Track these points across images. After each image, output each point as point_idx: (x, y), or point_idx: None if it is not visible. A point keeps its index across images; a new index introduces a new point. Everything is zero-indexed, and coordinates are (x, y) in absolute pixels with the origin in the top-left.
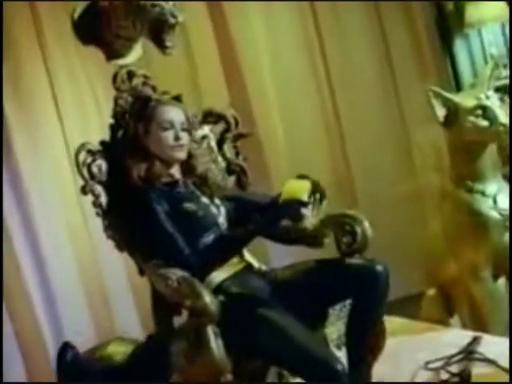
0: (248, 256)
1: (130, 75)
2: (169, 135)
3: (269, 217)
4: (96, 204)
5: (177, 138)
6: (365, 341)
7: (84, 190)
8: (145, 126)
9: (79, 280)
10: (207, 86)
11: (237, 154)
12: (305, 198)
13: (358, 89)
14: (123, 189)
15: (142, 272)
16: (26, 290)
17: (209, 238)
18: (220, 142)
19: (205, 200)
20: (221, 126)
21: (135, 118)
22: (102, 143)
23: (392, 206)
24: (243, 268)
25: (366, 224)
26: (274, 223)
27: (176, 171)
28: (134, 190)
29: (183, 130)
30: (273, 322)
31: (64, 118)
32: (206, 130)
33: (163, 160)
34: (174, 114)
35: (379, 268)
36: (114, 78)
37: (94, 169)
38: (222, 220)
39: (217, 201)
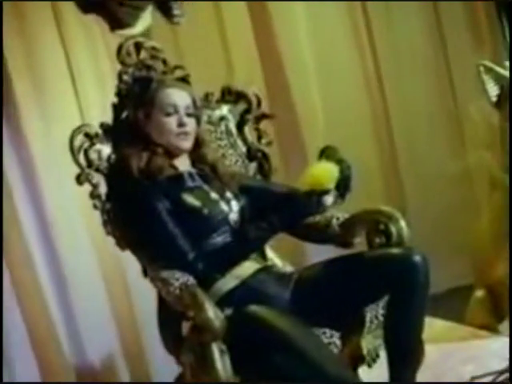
0: (269, 253)
1: (138, 47)
2: (172, 121)
3: (285, 213)
4: (93, 195)
5: (181, 125)
6: (407, 344)
7: (79, 179)
8: (145, 111)
9: (98, 272)
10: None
11: (259, 138)
12: (329, 185)
13: (404, 63)
14: (122, 181)
15: (145, 273)
16: (39, 285)
17: (217, 239)
18: (240, 124)
19: (213, 195)
20: (241, 106)
21: (135, 101)
22: (102, 125)
23: (439, 190)
24: (259, 270)
25: (403, 223)
26: (292, 220)
27: (180, 163)
28: (133, 185)
29: (188, 115)
30: (286, 339)
31: (81, 92)
32: (224, 110)
33: (166, 150)
34: (179, 97)
35: (417, 258)
36: (119, 50)
37: (93, 155)
38: (234, 217)
39: (229, 195)
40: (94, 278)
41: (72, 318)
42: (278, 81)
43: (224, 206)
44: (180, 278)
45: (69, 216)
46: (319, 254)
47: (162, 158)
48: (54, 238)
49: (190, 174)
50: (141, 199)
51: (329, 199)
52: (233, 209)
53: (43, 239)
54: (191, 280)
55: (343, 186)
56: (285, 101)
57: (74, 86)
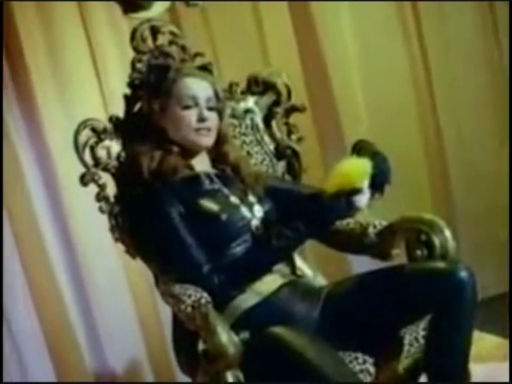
0: (298, 261)
1: (154, 32)
2: (191, 115)
3: (312, 218)
4: (100, 197)
5: (201, 119)
6: (452, 369)
7: (83, 180)
8: (161, 103)
9: (122, 274)
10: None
11: (289, 134)
12: (360, 183)
13: (454, 57)
14: (131, 182)
15: (158, 282)
16: (56, 285)
17: (236, 249)
18: (268, 118)
19: (234, 199)
20: (269, 98)
21: (149, 92)
22: (112, 119)
23: (488, 183)
24: (285, 284)
25: (447, 233)
26: (320, 226)
27: (198, 162)
28: (143, 187)
29: (210, 108)
30: (311, 368)
31: (102, 73)
32: (250, 102)
33: (183, 147)
34: (199, 87)
35: (464, 274)
36: (132, 35)
37: (100, 152)
38: (256, 224)
39: (252, 199)
40: (118, 281)
41: (93, 324)
42: (319, 76)
43: (246, 212)
44: (192, 295)
45: (89, 215)
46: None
47: (177, 157)
48: (74, 238)
49: (208, 176)
50: (151, 203)
51: (361, 200)
52: (256, 215)
53: (62, 239)
54: (205, 297)
55: (379, 183)
56: (325, 96)
57: (96, 74)
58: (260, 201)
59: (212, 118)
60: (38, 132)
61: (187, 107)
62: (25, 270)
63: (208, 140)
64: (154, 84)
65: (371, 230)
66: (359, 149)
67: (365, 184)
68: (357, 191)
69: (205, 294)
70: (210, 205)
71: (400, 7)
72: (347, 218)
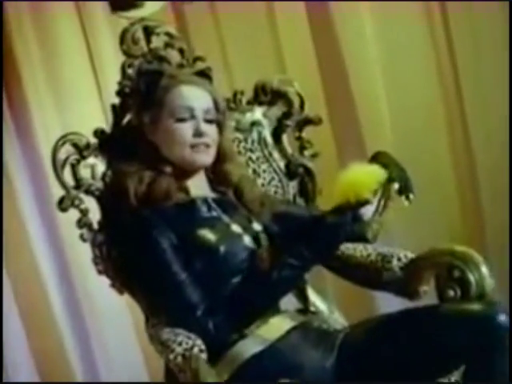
0: (311, 295)
1: (148, 33)
2: (186, 128)
3: (315, 239)
4: (81, 223)
5: (198, 134)
6: None
7: (61, 205)
8: (152, 115)
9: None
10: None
11: (301, 149)
12: (368, 193)
13: (486, 64)
14: (117, 208)
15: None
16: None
17: (236, 285)
18: (277, 132)
19: (235, 228)
20: (279, 109)
21: (139, 102)
22: (97, 133)
23: None
24: (294, 328)
25: (485, 270)
26: (325, 248)
27: (195, 185)
28: (129, 214)
29: (208, 121)
30: None
31: (99, 70)
32: (257, 113)
33: (177, 167)
34: (196, 97)
35: (503, 319)
36: (122, 37)
37: (82, 172)
38: (262, 256)
39: (256, 227)
40: (117, 304)
41: (89, 349)
42: (339, 86)
43: (248, 242)
44: (183, 343)
45: None
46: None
47: (170, 178)
48: (70, 261)
49: (206, 201)
50: (138, 232)
51: (368, 212)
52: (261, 245)
53: (58, 262)
54: (198, 345)
55: (404, 188)
56: (346, 108)
57: (96, 84)
58: (266, 229)
59: (210, 132)
60: (32, 150)
61: (182, 120)
62: (17, 295)
63: (206, 158)
64: (143, 92)
65: (395, 264)
66: (373, 159)
67: (370, 195)
68: (363, 203)
69: (198, 342)
70: (207, 235)
71: (427, 9)
72: (356, 234)
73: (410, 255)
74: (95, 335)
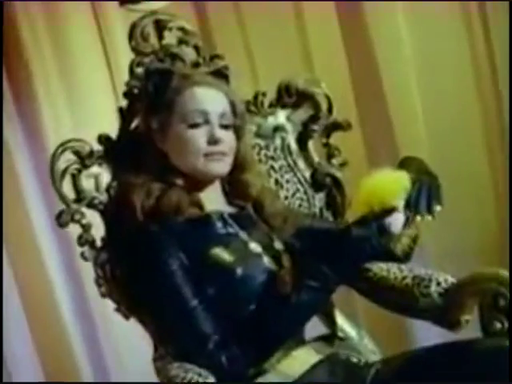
0: (338, 318)
1: (159, 28)
2: (200, 135)
3: (338, 256)
4: (81, 241)
5: (213, 141)
6: None
7: (60, 220)
8: (161, 120)
9: None
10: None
11: (329, 157)
12: (394, 201)
13: None
14: (122, 224)
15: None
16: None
17: (254, 313)
18: (302, 137)
19: (254, 246)
20: (305, 112)
21: (147, 105)
22: (101, 139)
23: None
24: (320, 362)
25: None
26: (350, 265)
27: (209, 198)
28: (136, 231)
29: (225, 126)
30: None
31: (114, 67)
32: (280, 117)
33: (190, 178)
34: (210, 99)
35: None
36: (131, 32)
37: (84, 183)
38: (284, 279)
39: (278, 245)
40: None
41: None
42: (371, 88)
43: (268, 263)
44: (194, 380)
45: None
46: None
47: (181, 191)
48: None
49: (221, 216)
50: (145, 252)
51: (396, 222)
52: (283, 266)
53: (67, 267)
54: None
55: (423, 201)
56: (378, 112)
57: (110, 75)
58: (289, 248)
59: (227, 138)
60: (42, 152)
61: (195, 125)
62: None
63: (222, 167)
64: (152, 95)
65: (434, 289)
66: (401, 164)
67: (400, 202)
68: (389, 212)
69: (210, 379)
70: (222, 254)
71: (464, 7)
72: (384, 248)
73: (451, 280)
74: (105, 337)
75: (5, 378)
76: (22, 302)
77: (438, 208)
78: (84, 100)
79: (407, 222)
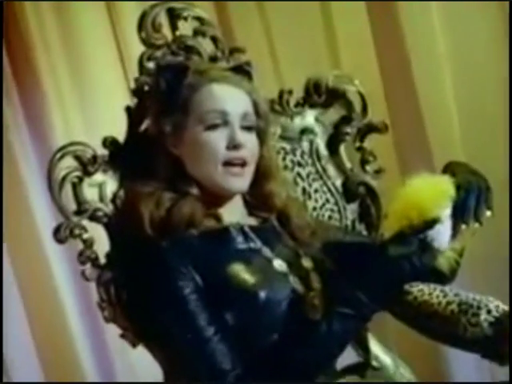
0: (374, 347)
1: (173, 17)
2: (218, 139)
3: (374, 279)
4: (83, 258)
5: (234, 146)
6: None
7: (57, 235)
8: (175, 122)
9: None
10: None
11: (363, 164)
12: (437, 211)
13: None
14: (128, 238)
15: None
16: None
17: (279, 343)
18: (333, 141)
19: (279, 265)
20: (336, 112)
21: (159, 105)
22: (106, 143)
23: None
24: None
25: None
26: (388, 290)
27: (227, 209)
28: (144, 247)
29: (246, 128)
30: None
31: (127, 62)
32: (308, 118)
33: (205, 188)
34: (231, 98)
35: None
36: (140, 22)
37: (87, 192)
38: (314, 303)
39: (306, 263)
40: None
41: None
42: (402, 86)
43: (296, 284)
44: None
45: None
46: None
47: (195, 201)
48: None
49: (241, 229)
50: (154, 271)
51: (441, 236)
52: (312, 288)
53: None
54: None
55: (470, 209)
56: (410, 113)
57: (123, 70)
58: (319, 266)
59: (249, 143)
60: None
61: (213, 127)
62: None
63: (241, 182)
64: (164, 93)
65: (484, 317)
66: (444, 170)
67: (445, 212)
68: (431, 223)
69: None
70: (242, 274)
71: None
72: (428, 269)
73: (502, 307)
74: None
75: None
76: (23, 301)
77: (487, 214)
78: (96, 100)
79: (453, 234)
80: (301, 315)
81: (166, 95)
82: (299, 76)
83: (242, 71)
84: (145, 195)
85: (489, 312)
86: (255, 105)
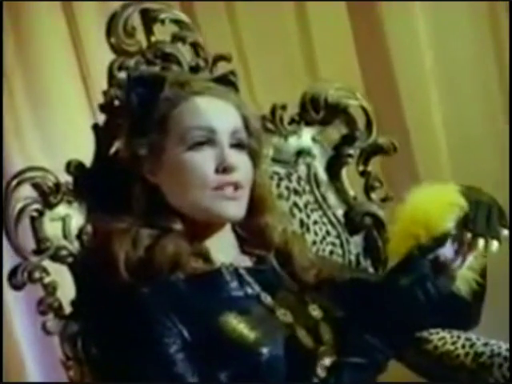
0: None
1: (148, 20)
2: (205, 160)
3: (384, 323)
4: (44, 306)
5: (224, 168)
6: None
7: (13, 280)
8: (151, 144)
9: None
10: None
11: (367, 190)
12: (445, 223)
13: None
14: (100, 283)
15: None
16: None
17: None
18: (334, 164)
19: (283, 314)
20: (337, 131)
21: (131, 124)
22: (69, 167)
23: None
24: None
25: None
26: (399, 333)
27: (218, 246)
28: (119, 294)
29: (236, 145)
30: None
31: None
32: (305, 137)
33: (191, 220)
34: (217, 112)
35: None
36: (109, 25)
37: (48, 228)
38: (325, 362)
39: (314, 311)
40: None
41: None
42: (387, 98)
43: (304, 338)
44: None
45: None
46: None
47: (180, 238)
48: None
49: (236, 271)
50: (131, 324)
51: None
52: (324, 341)
53: None
54: None
55: (487, 219)
56: (394, 126)
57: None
58: (328, 315)
59: (242, 163)
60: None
61: (197, 146)
62: None
63: (237, 207)
64: (137, 110)
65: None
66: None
67: (453, 223)
68: (442, 240)
69: None
70: (240, 327)
71: (491, 10)
72: (443, 294)
73: None
74: None
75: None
76: None
77: (504, 231)
78: (55, 116)
79: (466, 250)
80: (312, 374)
81: (139, 112)
82: (273, 91)
83: (227, 82)
84: (118, 232)
85: (505, 359)
86: (245, 120)
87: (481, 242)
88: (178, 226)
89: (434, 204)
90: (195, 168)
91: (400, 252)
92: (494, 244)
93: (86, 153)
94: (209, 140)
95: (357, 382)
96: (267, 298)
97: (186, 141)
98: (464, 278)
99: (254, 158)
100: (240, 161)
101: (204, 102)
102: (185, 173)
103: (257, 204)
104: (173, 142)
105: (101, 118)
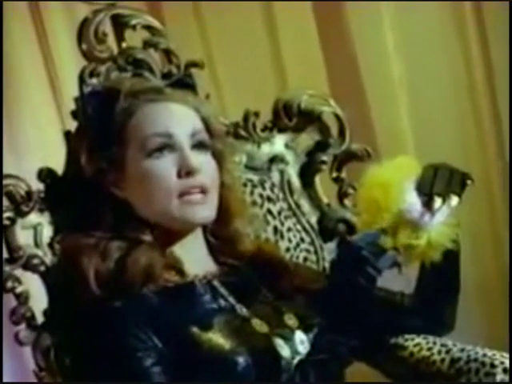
0: None
1: (119, 25)
2: (166, 166)
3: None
4: (17, 316)
5: (187, 172)
6: None
7: None
8: (111, 157)
9: None
10: None
11: (341, 197)
12: (402, 185)
13: None
14: (70, 297)
15: None
16: None
17: None
18: (307, 171)
19: (258, 324)
20: (310, 137)
21: (89, 140)
22: (41, 175)
23: None
24: None
25: None
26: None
27: (191, 256)
28: (89, 308)
29: (198, 146)
30: None
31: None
32: (278, 144)
33: (160, 229)
34: (174, 116)
35: None
36: (80, 31)
37: (20, 235)
38: (305, 370)
39: (290, 320)
40: None
41: None
42: (354, 102)
43: (282, 348)
44: None
45: None
46: None
47: (151, 249)
48: None
49: (209, 283)
50: (106, 338)
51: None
52: (300, 351)
53: None
54: None
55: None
56: (364, 136)
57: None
58: (305, 323)
59: (206, 166)
60: None
61: (156, 153)
62: None
63: (205, 210)
64: (94, 125)
65: (500, 378)
66: None
67: (411, 191)
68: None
69: None
70: (215, 338)
71: (456, 11)
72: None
73: None
74: None
75: None
76: None
77: (468, 182)
78: (25, 122)
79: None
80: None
81: (97, 126)
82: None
83: (184, 85)
84: (86, 248)
85: (505, 371)
86: (205, 122)
87: (438, 201)
88: (148, 237)
89: (389, 169)
90: (157, 175)
91: (369, 222)
92: (454, 199)
93: (56, 161)
94: (167, 145)
95: (323, 378)
96: (242, 310)
97: (145, 149)
98: (440, 232)
99: (219, 158)
100: (203, 162)
101: (160, 108)
102: (148, 182)
103: (225, 208)
104: (133, 152)
105: (73, 125)
